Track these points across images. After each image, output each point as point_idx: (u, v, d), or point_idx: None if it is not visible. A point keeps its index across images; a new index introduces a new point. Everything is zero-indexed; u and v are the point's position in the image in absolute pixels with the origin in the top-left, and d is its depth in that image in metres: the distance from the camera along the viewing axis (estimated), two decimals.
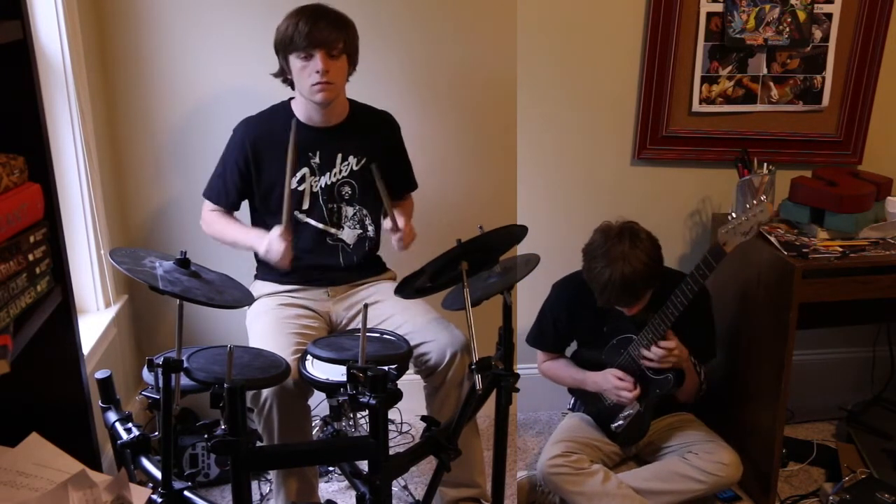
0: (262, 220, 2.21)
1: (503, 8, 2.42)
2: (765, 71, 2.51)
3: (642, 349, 2.14)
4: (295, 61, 2.04)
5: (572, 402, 2.50)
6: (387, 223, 2.11)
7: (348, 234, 2.21)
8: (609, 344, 2.25)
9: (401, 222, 2.09)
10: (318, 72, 2.00)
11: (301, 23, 1.99)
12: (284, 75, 2.12)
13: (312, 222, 2.16)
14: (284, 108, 2.19)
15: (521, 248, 2.01)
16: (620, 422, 2.27)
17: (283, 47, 2.05)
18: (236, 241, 2.20)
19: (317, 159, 2.16)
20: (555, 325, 2.37)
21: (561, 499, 2.26)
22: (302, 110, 2.16)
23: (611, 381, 2.22)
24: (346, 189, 2.19)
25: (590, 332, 2.33)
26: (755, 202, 1.97)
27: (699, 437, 2.25)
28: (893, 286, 2.17)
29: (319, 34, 1.98)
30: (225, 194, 2.21)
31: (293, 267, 2.16)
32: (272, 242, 2.04)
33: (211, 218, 2.26)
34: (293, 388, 1.85)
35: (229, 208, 2.24)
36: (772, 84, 2.52)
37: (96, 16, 2.31)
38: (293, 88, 2.14)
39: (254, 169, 2.15)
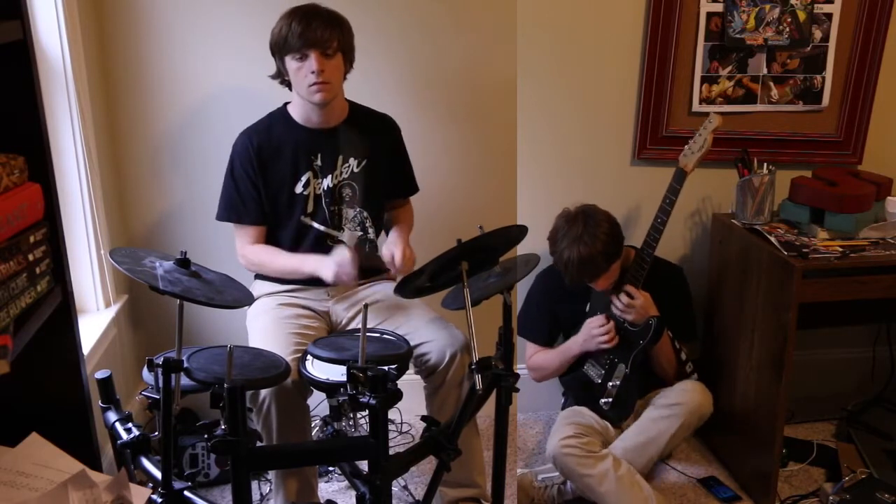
0: (269, 229, 2.20)
1: (503, 8, 2.42)
2: (765, 71, 2.51)
3: (615, 301, 2.29)
4: (290, 62, 2.03)
5: (563, 401, 2.54)
6: (387, 254, 2.11)
7: (349, 236, 2.21)
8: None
9: (397, 254, 2.08)
10: (313, 72, 2.00)
11: (294, 23, 1.99)
12: (282, 77, 2.12)
13: (316, 225, 2.16)
14: (282, 113, 2.19)
15: (521, 249, 2.01)
16: (611, 386, 2.35)
17: (279, 49, 2.04)
18: (294, 269, 2.13)
19: (318, 161, 2.16)
20: (538, 310, 2.48)
21: (559, 491, 2.28)
22: (300, 112, 2.15)
23: (590, 331, 2.33)
24: (347, 191, 2.19)
25: (573, 316, 2.43)
26: (707, 123, 2.21)
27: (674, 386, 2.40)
28: (893, 286, 2.17)
29: (313, 34, 1.98)
30: (245, 210, 2.15)
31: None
32: (342, 266, 2.01)
33: (251, 252, 2.18)
34: (292, 387, 1.85)
35: (254, 223, 2.17)
36: (772, 84, 2.52)
37: (96, 16, 2.31)
38: (291, 90, 2.14)
39: (261, 176, 2.14)
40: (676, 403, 2.31)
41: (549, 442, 2.27)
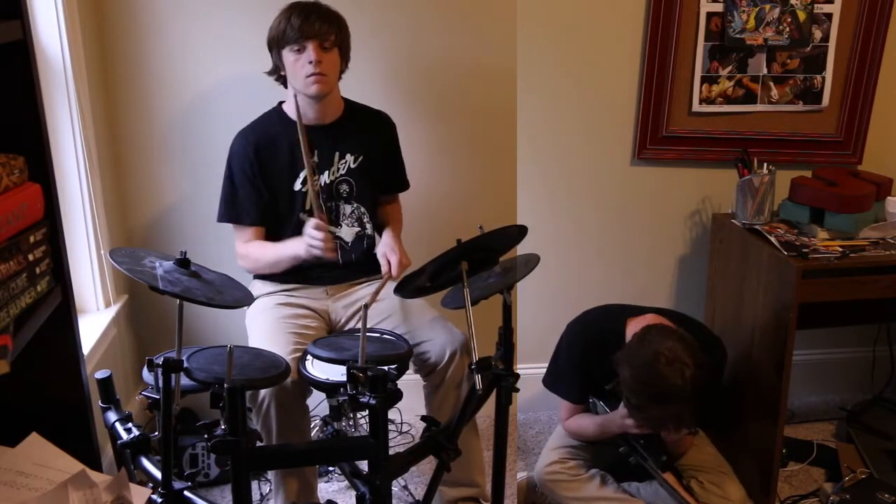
0: (269, 227, 2.21)
1: (503, 8, 2.42)
2: (765, 71, 2.51)
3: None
4: (288, 55, 2.04)
5: None
6: (382, 260, 2.11)
7: (347, 233, 2.21)
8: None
9: (394, 263, 2.07)
10: (311, 62, 2.01)
11: (293, 17, 2.01)
12: (278, 72, 2.13)
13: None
14: (277, 112, 2.19)
15: (521, 248, 2.01)
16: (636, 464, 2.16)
17: (276, 42, 2.06)
18: (278, 258, 2.14)
19: (315, 158, 2.16)
20: (568, 366, 2.23)
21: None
22: (295, 110, 2.15)
23: (624, 422, 2.06)
24: (344, 187, 2.19)
25: (606, 374, 2.08)
26: None
27: (707, 464, 2.20)
28: (893, 286, 2.17)
29: (311, 27, 2.00)
30: (245, 211, 2.16)
31: (292, 267, 2.16)
32: (311, 236, 2.01)
33: (246, 250, 2.19)
34: (291, 387, 1.85)
35: (254, 224, 2.17)
36: (772, 84, 2.52)
37: (96, 16, 2.31)
38: (286, 86, 2.14)
39: (260, 175, 2.15)
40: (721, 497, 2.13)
41: (536, 466, 2.26)
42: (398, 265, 2.07)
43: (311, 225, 2.02)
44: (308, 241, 2.02)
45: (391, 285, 2.06)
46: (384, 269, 2.10)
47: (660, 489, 2.16)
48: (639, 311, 2.15)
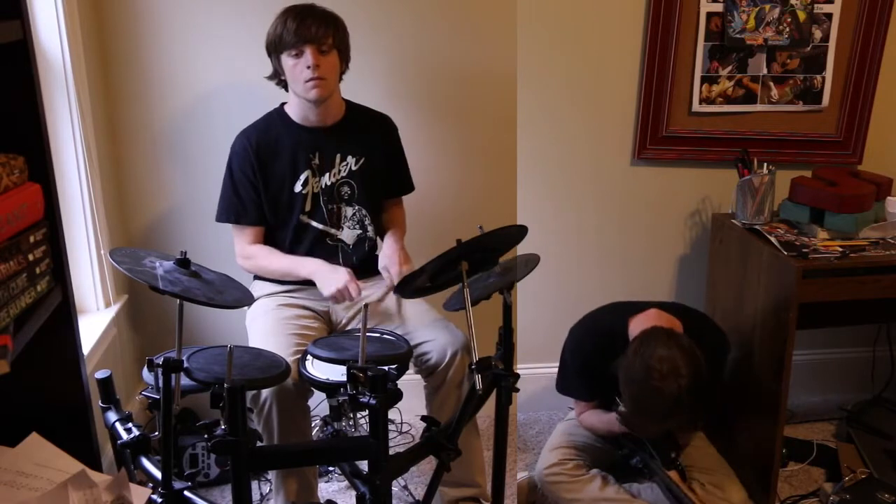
0: (268, 229, 2.21)
1: (503, 7, 2.42)
2: (765, 71, 2.51)
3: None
4: (286, 59, 2.04)
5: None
6: (382, 270, 2.12)
7: (348, 235, 2.21)
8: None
9: (393, 272, 2.07)
10: (309, 67, 2.00)
11: (289, 20, 2.00)
12: (278, 77, 2.13)
13: (314, 224, 2.16)
14: (279, 113, 2.19)
15: (521, 248, 2.01)
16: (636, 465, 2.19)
17: (274, 47, 2.05)
18: (289, 271, 2.14)
19: (317, 160, 2.16)
20: (574, 369, 2.24)
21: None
22: (297, 112, 2.15)
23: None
24: (346, 189, 2.19)
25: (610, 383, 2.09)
26: None
27: (708, 464, 2.21)
28: (893, 286, 2.17)
29: (307, 30, 1.99)
30: (244, 211, 2.16)
31: None
32: (344, 284, 2.01)
33: (249, 252, 2.18)
34: (292, 388, 1.85)
35: (253, 224, 2.17)
36: (772, 84, 2.52)
37: (96, 16, 2.31)
38: (287, 90, 2.14)
39: (260, 177, 2.14)
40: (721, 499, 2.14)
41: (536, 467, 2.26)
42: (397, 274, 2.07)
43: (351, 283, 2.01)
44: (338, 293, 2.01)
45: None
46: (386, 282, 2.10)
47: (659, 491, 2.16)
48: (640, 307, 2.13)
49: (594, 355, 2.14)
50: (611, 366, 1.99)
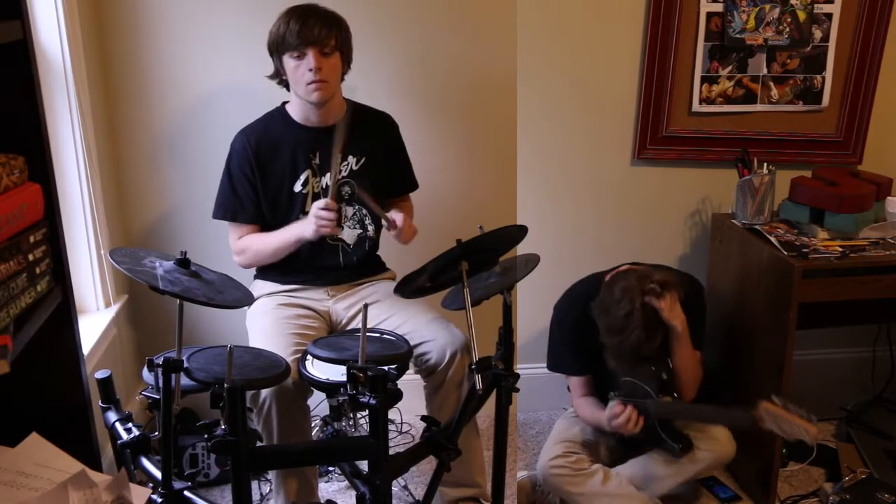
0: (268, 229, 2.20)
1: (503, 8, 2.42)
2: (765, 71, 2.51)
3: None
4: (288, 61, 2.04)
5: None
6: (389, 216, 2.09)
7: (348, 234, 2.21)
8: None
9: (398, 219, 2.06)
10: (311, 69, 2.00)
11: (292, 22, 2.00)
12: (280, 77, 2.13)
13: None
14: (280, 112, 2.19)
15: (521, 248, 2.01)
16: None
17: (276, 48, 2.05)
18: (281, 243, 2.12)
19: (317, 160, 2.16)
20: (563, 341, 2.30)
21: (561, 500, 2.26)
22: (298, 112, 2.15)
23: (609, 418, 2.14)
24: (346, 189, 2.19)
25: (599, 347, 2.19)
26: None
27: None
28: (893, 286, 2.17)
29: (310, 32, 1.98)
30: (241, 208, 2.15)
31: (293, 267, 2.16)
32: (319, 216, 1.98)
33: (242, 245, 2.18)
34: (292, 388, 1.85)
35: (249, 222, 2.17)
36: (772, 84, 2.52)
37: (96, 16, 2.31)
38: (289, 90, 2.14)
39: (259, 176, 2.15)
40: (706, 450, 2.19)
41: (539, 461, 2.26)
42: (403, 219, 2.05)
43: (319, 206, 2.00)
44: (317, 222, 1.99)
45: (391, 285, 2.06)
46: (389, 221, 2.06)
47: (649, 462, 2.21)
48: (615, 269, 2.23)
49: (578, 322, 2.23)
50: (594, 328, 2.12)
